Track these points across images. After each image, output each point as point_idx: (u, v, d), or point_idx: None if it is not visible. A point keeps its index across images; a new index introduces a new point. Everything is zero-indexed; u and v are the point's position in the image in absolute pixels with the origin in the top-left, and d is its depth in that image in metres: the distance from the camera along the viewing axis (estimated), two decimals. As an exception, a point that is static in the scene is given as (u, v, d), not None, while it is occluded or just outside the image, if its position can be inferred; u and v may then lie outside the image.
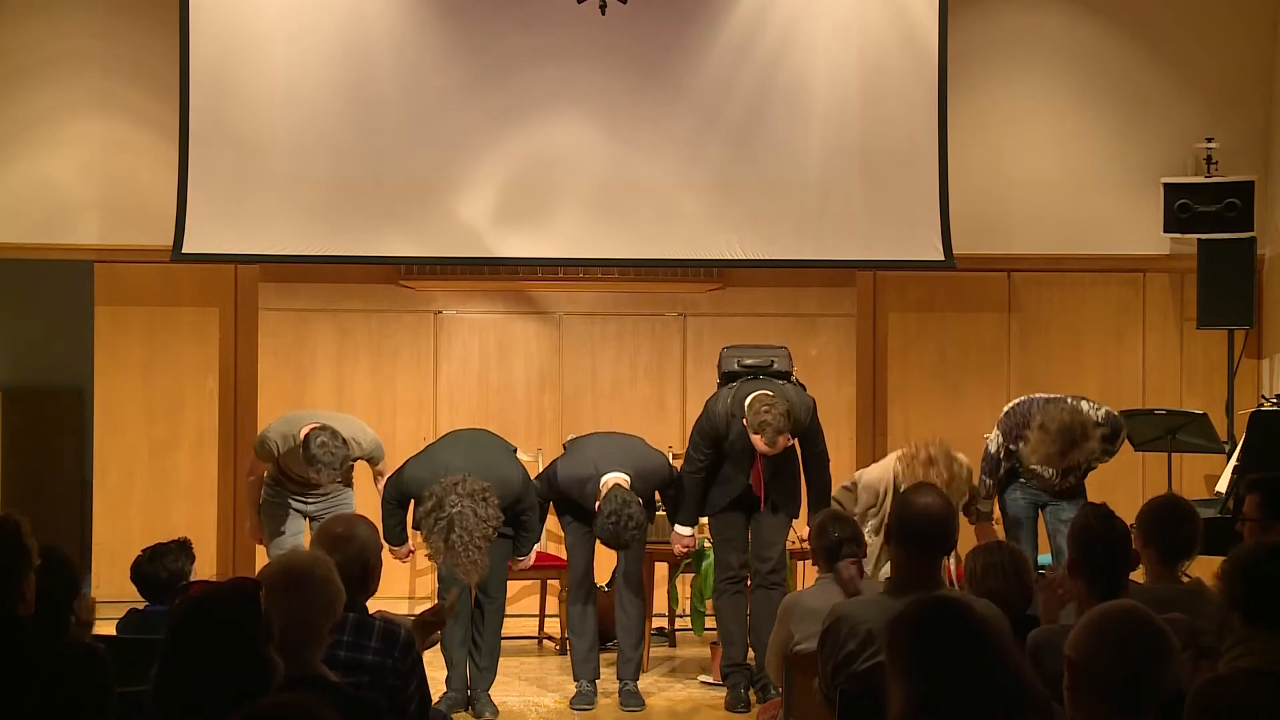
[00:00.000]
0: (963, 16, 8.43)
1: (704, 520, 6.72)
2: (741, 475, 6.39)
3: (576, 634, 6.53)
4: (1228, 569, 3.19)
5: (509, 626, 7.26)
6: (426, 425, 8.43)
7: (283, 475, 6.67)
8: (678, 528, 6.56)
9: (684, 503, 6.49)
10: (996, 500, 6.88)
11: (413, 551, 6.55)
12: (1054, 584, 3.98)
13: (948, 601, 2.68)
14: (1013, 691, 2.56)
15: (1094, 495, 8.19)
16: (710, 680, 6.83)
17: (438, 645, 6.14)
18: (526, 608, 7.91)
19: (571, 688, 6.50)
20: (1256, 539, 4.00)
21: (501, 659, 6.99)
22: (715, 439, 6.38)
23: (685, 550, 6.60)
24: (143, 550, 4.58)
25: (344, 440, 6.35)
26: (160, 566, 4.50)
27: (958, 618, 2.59)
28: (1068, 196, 8.70)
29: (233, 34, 8.01)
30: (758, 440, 6.15)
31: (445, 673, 6.29)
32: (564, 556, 7.87)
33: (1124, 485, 8.07)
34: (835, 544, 4.62)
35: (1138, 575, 3.97)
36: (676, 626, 7.79)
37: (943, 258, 8.21)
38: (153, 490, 8.48)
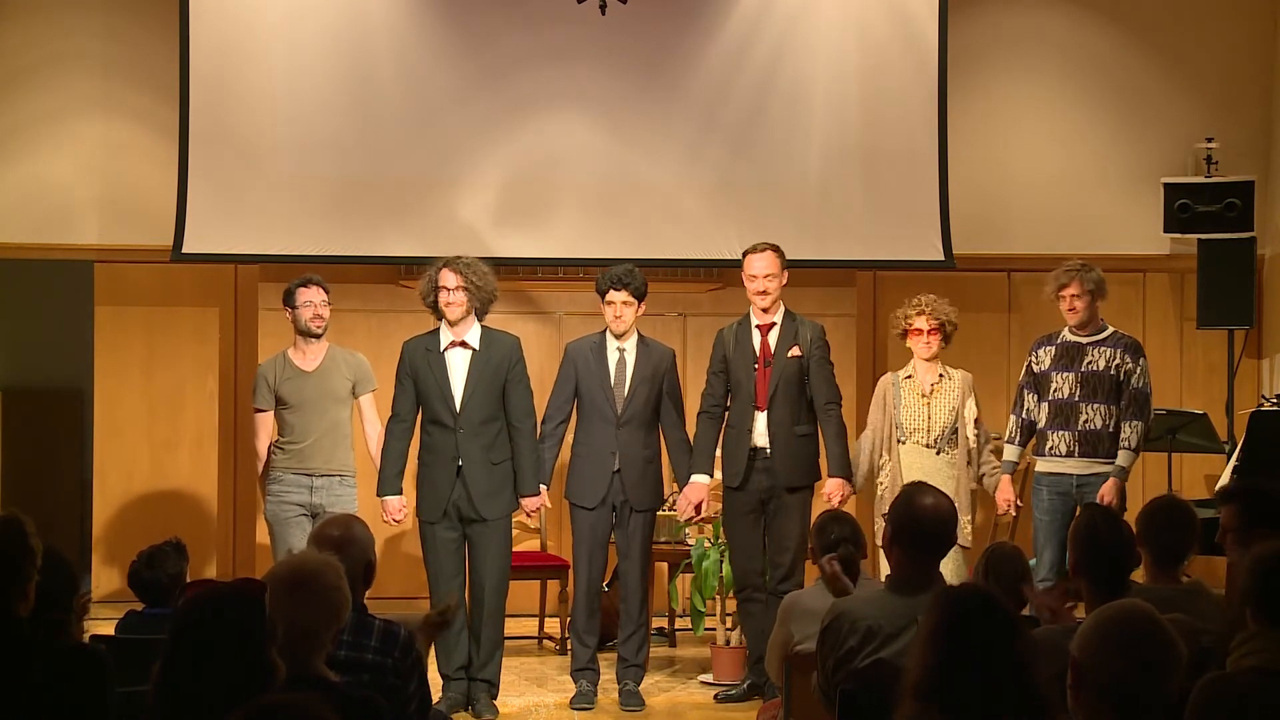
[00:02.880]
0: (963, 16, 8.43)
1: (706, 525, 6.72)
2: (748, 401, 6.35)
3: (585, 637, 6.47)
4: (1250, 566, 3.19)
5: (509, 626, 7.27)
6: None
7: (285, 427, 6.54)
8: (695, 478, 6.45)
9: (698, 448, 6.45)
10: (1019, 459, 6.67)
11: (404, 508, 6.44)
12: (1044, 606, 4.00)
13: (986, 591, 2.91)
14: (1027, 690, 2.66)
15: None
16: (710, 680, 6.84)
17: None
18: (526, 607, 7.89)
19: (572, 687, 6.49)
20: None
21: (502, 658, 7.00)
22: (722, 356, 6.46)
23: (697, 513, 6.51)
24: (139, 555, 4.57)
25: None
26: (160, 572, 4.51)
27: (992, 606, 2.78)
28: (1068, 196, 8.71)
29: (233, 34, 8.02)
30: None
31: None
32: (566, 557, 7.89)
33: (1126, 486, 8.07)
34: (832, 544, 4.62)
35: (1137, 575, 3.98)
36: (676, 627, 7.79)
37: (943, 258, 8.21)
38: (153, 490, 8.48)
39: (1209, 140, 8.45)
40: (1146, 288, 8.75)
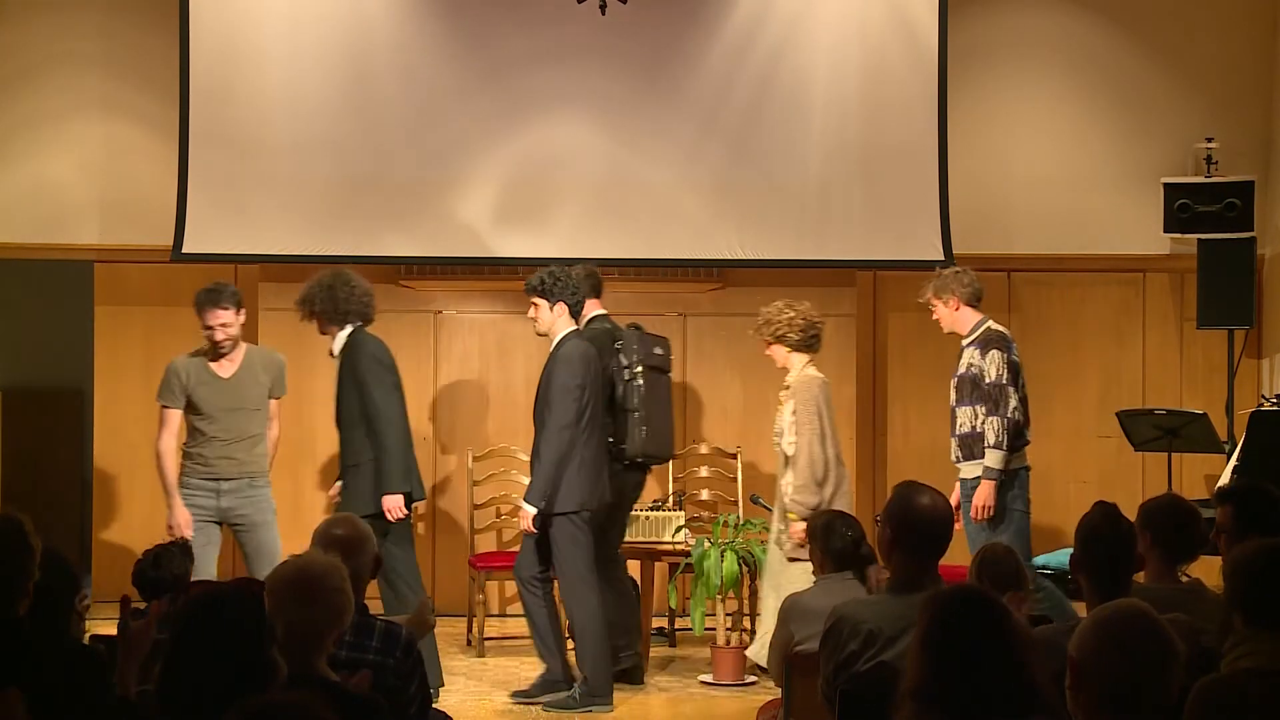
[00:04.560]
0: (963, 16, 8.43)
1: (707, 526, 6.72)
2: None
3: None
4: (1230, 569, 3.20)
5: (510, 626, 7.29)
6: (426, 426, 8.43)
7: (194, 432, 6.41)
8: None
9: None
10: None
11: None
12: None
13: (980, 591, 2.90)
14: (1025, 689, 2.66)
15: (1094, 494, 8.19)
16: (710, 680, 6.84)
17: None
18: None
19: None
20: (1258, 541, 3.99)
21: (503, 658, 7.03)
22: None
23: None
24: (144, 554, 4.58)
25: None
26: (166, 571, 4.52)
27: (986, 605, 2.77)
28: (1068, 196, 8.70)
29: (232, 34, 8.02)
30: None
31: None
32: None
33: (1124, 485, 8.08)
34: (851, 545, 4.60)
35: (1137, 575, 3.97)
36: (676, 626, 7.79)
37: (943, 257, 8.20)
38: (153, 490, 8.44)
39: (1209, 140, 8.45)
40: (1146, 288, 8.75)
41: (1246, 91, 8.70)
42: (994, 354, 6.28)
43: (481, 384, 8.63)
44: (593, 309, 6.88)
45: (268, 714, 2.30)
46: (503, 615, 8.31)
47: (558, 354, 6.44)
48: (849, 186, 8.23)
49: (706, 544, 6.84)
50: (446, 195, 8.11)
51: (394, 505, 6.21)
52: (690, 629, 7.12)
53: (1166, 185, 8.37)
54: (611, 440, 6.65)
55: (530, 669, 6.74)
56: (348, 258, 8.15)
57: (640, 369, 6.80)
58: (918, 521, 3.74)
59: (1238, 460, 6.74)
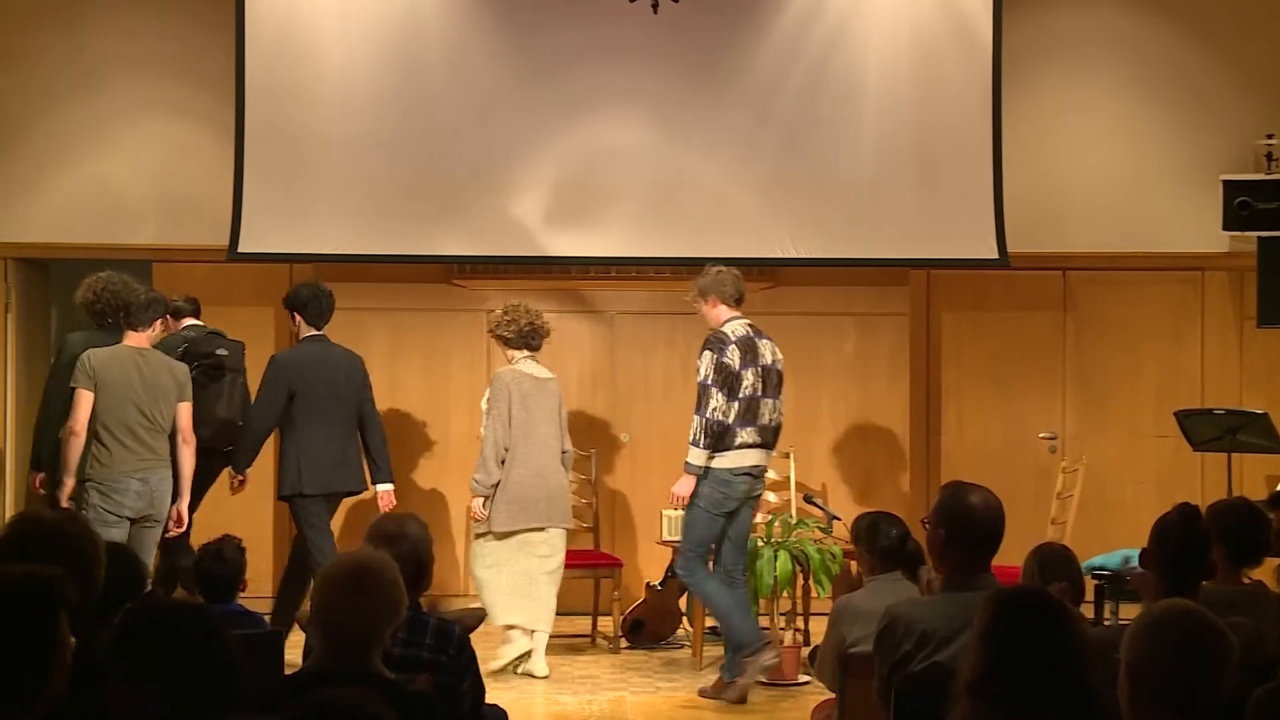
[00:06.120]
0: (1017, 12, 8.36)
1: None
2: None
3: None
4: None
5: (561, 625, 7.30)
6: (478, 424, 8.44)
7: (100, 429, 6.27)
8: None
9: None
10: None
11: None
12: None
13: (1042, 591, 2.92)
14: (1082, 690, 2.65)
15: (1152, 495, 8.12)
16: (764, 680, 6.82)
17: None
18: (579, 605, 7.86)
19: (625, 685, 6.48)
20: None
21: (554, 658, 7.04)
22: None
23: None
24: (204, 550, 4.63)
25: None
26: (228, 567, 4.58)
27: (1047, 604, 2.78)
28: (1125, 194, 8.62)
29: (288, 35, 8.08)
30: None
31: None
32: (619, 555, 7.91)
33: (1182, 485, 7.99)
34: (897, 543, 4.58)
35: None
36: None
37: (997, 256, 8.15)
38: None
39: (1269, 137, 8.35)
40: (1205, 286, 8.65)
41: (1307, 87, 8.59)
42: (706, 354, 6.44)
43: (534, 383, 8.64)
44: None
45: (328, 710, 2.31)
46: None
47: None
48: (902, 184, 8.18)
49: (760, 543, 6.82)
50: (498, 194, 8.14)
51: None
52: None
53: (1226, 182, 8.27)
54: None
55: (571, 665, 6.74)
56: (400, 256, 8.22)
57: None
58: (970, 521, 3.71)
59: (1299, 461, 6.65)
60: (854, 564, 7.09)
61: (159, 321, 6.57)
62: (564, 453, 6.98)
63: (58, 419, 6.51)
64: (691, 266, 8.37)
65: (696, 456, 6.38)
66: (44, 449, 6.69)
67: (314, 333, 6.97)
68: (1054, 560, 4.38)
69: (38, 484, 6.68)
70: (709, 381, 6.37)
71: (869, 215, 8.18)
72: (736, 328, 6.49)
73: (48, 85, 8.42)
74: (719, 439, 6.37)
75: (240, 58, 8.01)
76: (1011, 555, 4.93)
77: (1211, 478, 7.97)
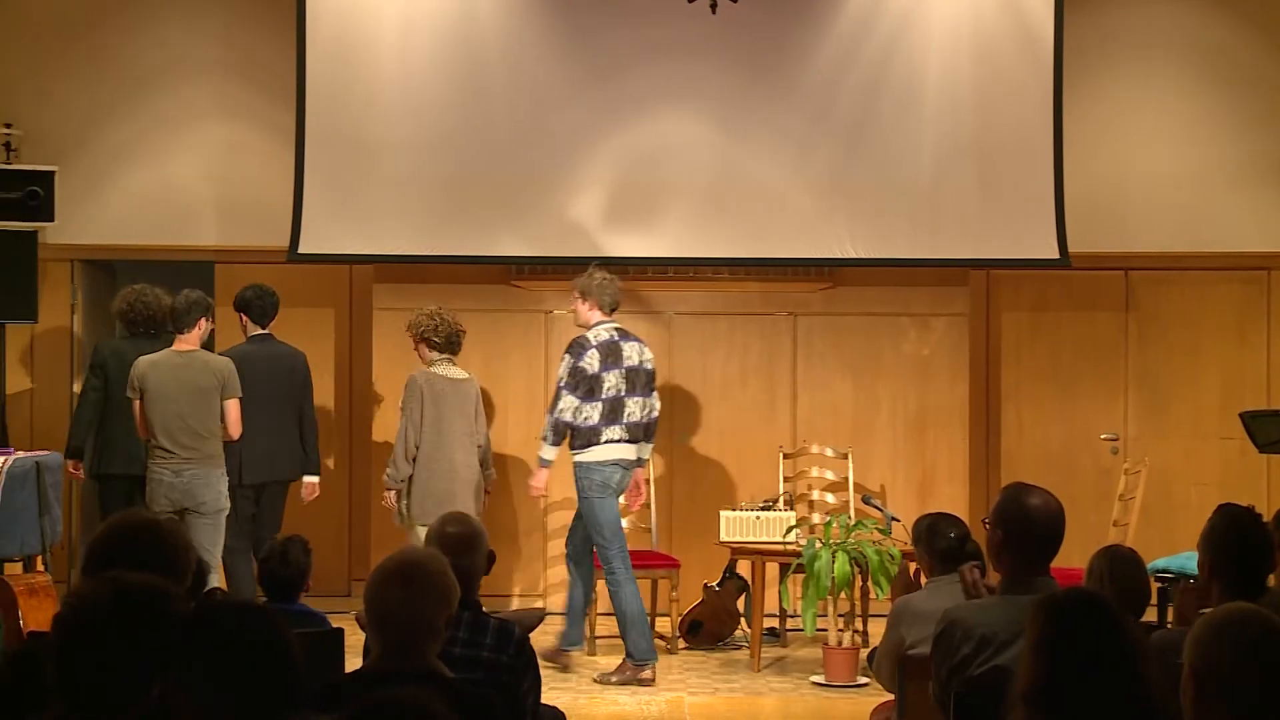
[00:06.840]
0: (1078, 10, 8.30)
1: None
2: None
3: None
4: None
5: (605, 626, 7.30)
6: (537, 425, 8.47)
7: (151, 436, 6.71)
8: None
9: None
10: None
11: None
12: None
13: (1094, 594, 2.86)
14: (1141, 698, 2.62)
15: (1216, 497, 8.02)
16: (822, 680, 6.81)
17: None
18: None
19: (684, 686, 6.48)
20: None
21: (612, 659, 7.05)
22: None
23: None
24: (270, 551, 4.67)
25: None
26: (294, 568, 4.61)
27: (1102, 609, 2.74)
28: (1188, 193, 8.53)
29: (347, 37, 8.14)
30: None
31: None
32: (677, 556, 7.90)
33: (1247, 487, 7.90)
34: (956, 544, 4.55)
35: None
36: (788, 626, 7.77)
37: (1058, 256, 8.09)
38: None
39: (1336, 134, 8.24)
40: (1271, 286, 8.54)
41: (1375, 84, 8.46)
42: (566, 357, 6.91)
43: (592, 383, 8.65)
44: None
45: (387, 709, 2.33)
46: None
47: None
48: (962, 184, 8.13)
49: (818, 545, 6.81)
50: (556, 194, 8.16)
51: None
52: (801, 629, 7.09)
53: (1291, 180, 8.18)
54: None
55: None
56: (459, 258, 8.26)
57: None
58: (1031, 523, 3.68)
59: (1365, 463, 6.56)
60: (913, 565, 7.07)
61: (203, 320, 6.93)
62: (479, 447, 7.23)
63: (86, 414, 7.20)
64: (749, 266, 8.40)
65: (546, 451, 6.93)
66: (76, 440, 7.23)
67: (260, 331, 7.37)
68: (1122, 563, 4.33)
69: (72, 469, 7.21)
70: (561, 384, 6.87)
71: (929, 215, 8.14)
72: (600, 332, 6.91)
73: (111, 89, 8.54)
74: (586, 437, 6.82)
75: (301, 60, 8.09)
76: (1073, 557, 4.90)
77: (1277, 480, 7.87)
